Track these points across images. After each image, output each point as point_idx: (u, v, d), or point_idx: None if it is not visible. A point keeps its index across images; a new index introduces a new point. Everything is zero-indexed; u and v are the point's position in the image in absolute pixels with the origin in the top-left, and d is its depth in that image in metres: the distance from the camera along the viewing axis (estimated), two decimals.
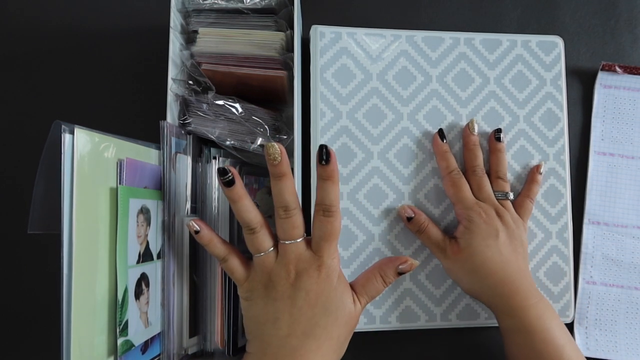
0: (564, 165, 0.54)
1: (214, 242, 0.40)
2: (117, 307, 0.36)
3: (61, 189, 0.32)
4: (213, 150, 0.46)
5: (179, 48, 0.47)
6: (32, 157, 0.35)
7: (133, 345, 0.38)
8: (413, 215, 0.50)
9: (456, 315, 0.51)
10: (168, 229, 0.42)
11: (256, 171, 0.48)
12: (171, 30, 0.45)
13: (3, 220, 0.51)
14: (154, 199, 0.41)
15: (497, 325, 0.52)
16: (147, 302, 0.40)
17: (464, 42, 0.54)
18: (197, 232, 0.39)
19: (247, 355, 0.39)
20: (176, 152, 0.43)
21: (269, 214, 0.47)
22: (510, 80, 0.54)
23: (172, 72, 0.45)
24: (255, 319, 0.39)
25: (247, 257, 0.41)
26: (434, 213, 0.52)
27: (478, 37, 0.54)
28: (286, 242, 0.38)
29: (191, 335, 0.43)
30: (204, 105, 0.45)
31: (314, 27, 0.52)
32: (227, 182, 0.37)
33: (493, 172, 0.51)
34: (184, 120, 0.46)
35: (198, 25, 0.47)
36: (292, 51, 0.46)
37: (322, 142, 0.49)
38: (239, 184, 0.38)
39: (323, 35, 0.52)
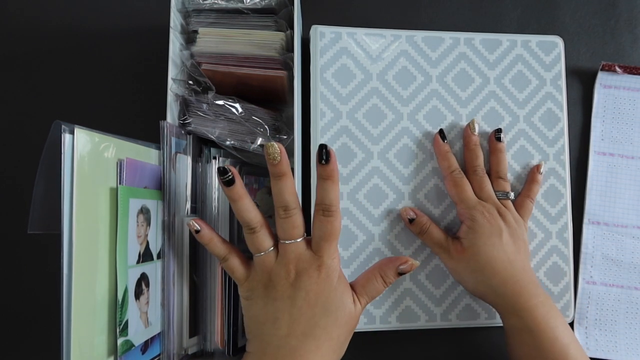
0: (564, 165, 0.54)
1: (215, 242, 0.40)
2: (117, 307, 0.36)
3: (61, 189, 0.32)
4: (213, 150, 0.46)
5: (179, 48, 0.47)
6: (32, 157, 0.35)
7: (133, 345, 0.38)
8: (415, 217, 0.50)
9: (456, 315, 0.51)
10: (168, 229, 0.42)
11: (256, 171, 0.48)
12: (171, 30, 0.45)
13: (3, 220, 0.51)
14: (154, 199, 0.41)
15: (497, 325, 0.52)
16: (147, 302, 0.40)
17: (464, 42, 0.54)
18: (197, 231, 0.39)
19: (247, 354, 0.39)
20: (176, 152, 0.43)
21: (269, 214, 0.47)
22: (510, 80, 0.54)
23: (172, 72, 0.45)
24: (255, 319, 0.39)
25: (247, 256, 0.41)
26: (434, 213, 0.52)
27: (478, 37, 0.54)
28: (286, 242, 0.38)
29: (191, 335, 0.43)
30: (204, 105, 0.45)
31: (314, 27, 0.52)
32: (227, 182, 0.37)
33: (493, 172, 0.51)
34: (184, 120, 0.46)
35: (198, 25, 0.47)
36: (292, 51, 0.46)
37: (322, 142, 0.49)
38: (239, 184, 0.38)
39: (323, 35, 0.52)
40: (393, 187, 0.51)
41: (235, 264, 0.40)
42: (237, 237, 0.46)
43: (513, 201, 0.51)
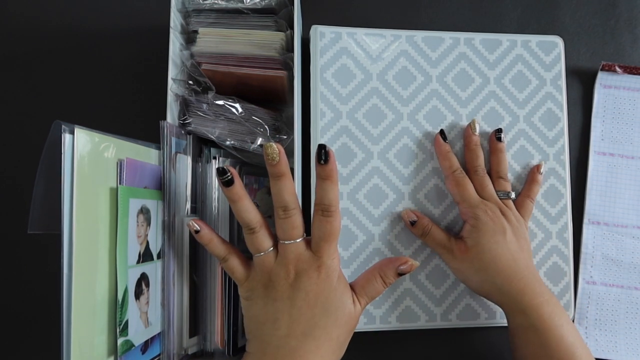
0: (564, 165, 0.54)
1: (214, 242, 0.40)
2: (117, 307, 0.36)
3: (61, 189, 0.32)
4: (213, 150, 0.46)
5: (179, 48, 0.47)
6: (32, 157, 0.35)
7: (133, 345, 0.38)
8: (416, 219, 0.50)
9: (456, 315, 0.51)
10: (168, 229, 0.42)
11: (256, 171, 0.48)
12: (171, 30, 0.45)
13: (3, 220, 0.51)
14: (154, 199, 0.41)
15: (497, 325, 0.52)
16: (147, 302, 0.40)
17: (464, 42, 0.54)
18: (197, 231, 0.39)
19: (247, 355, 0.39)
20: (176, 152, 0.43)
21: (269, 214, 0.47)
22: (510, 80, 0.54)
23: (172, 72, 0.45)
24: (255, 319, 0.39)
25: (247, 257, 0.41)
26: (435, 213, 0.52)
27: (478, 37, 0.54)
28: (286, 242, 0.38)
29: (191, 335, 0.43)
30: (204, 105, 0.45)
31: (314, 27, 0.52)
32: (226, 182, 0.37)
33: (494, 172, 0.51)
34: (184, 120, 0.46)
35: (198, 25, 0.47)
36: (292, 51, 0.46)
37: (322, 142, 0.49)
38: (238, 184, 0.38)
39: (323, 35, 0.52)
40: (393, 187, 0.51)
41: (235, 264, 0.40)
42: (237, 237, 0.46)
43: (514, 201, 0.51)
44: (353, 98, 0.51)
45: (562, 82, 0.55)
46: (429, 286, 0.51)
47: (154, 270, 0.41)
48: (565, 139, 0.54)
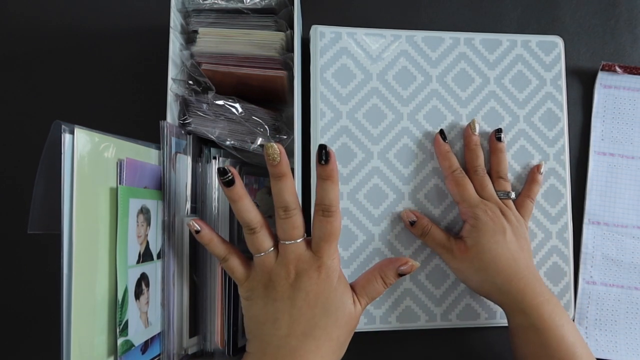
0: (564, 165, 0.54)
1: (215, 242, 0.40)
2: (117, 307, 0.36)
3: (61, 189, 0.32)
4: (213, 150, 0.46)
5: (179, 48, 0.47)
6: (32, 157, 0.35)
7: (133, 345, 0.38)
8: (415, 219, 0.50)
9: (456, 315, 0.51)
10: (168, 229, 0.42)
11: (256, 171, 0.48)
12: (171, 30, 0.45)
13: (3, 220, 0.51)
14: (154, 199, 0.41)
15: (497, 325, 0.52)
16: (147, 302, 0.40)
17: (464, 42, 0.54)
18: (197, 231, 0.39)
19: (247, 355, 0.39)
20: (176, 152, 0.43)
21: (269, 214, 0.47)
22: (510, 80, 0.54)
23: (172, 72, 0.45)
24: (255, 319, 0.39)
25: (247, 256, 0.41)
26: (435, 213, 0.52)
27: (478, 37, 0.54)
28: (286, 243, 0.38)
29: (191, 335, 0.43)
30: (204, 105, 0.45)
31: (314, 27, 0.52)
32: (227, 182, 0.37)
33: (494, 172, 0.51)
34: (184, 120, 0.46)
35: (198, 25, 0.47)
36: (292, 51, 0.46)
37: (322, 142, 0.49)
38: (239, 184, 0.38)
39: (323, 35, 0.52)
40: (393, 187, 0.51)
41: (235, 264, 0.40)
42: (237, 237, 0.46)
43: (514, 201, 0.51)
44: (353, 98, 0.51)
45: (562, 82, 0.55)
46: (429, 286, 0.51)
47: (154, 270, 0.41)
48: (565, 139, 0.54)
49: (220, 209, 0.45)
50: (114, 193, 0.37)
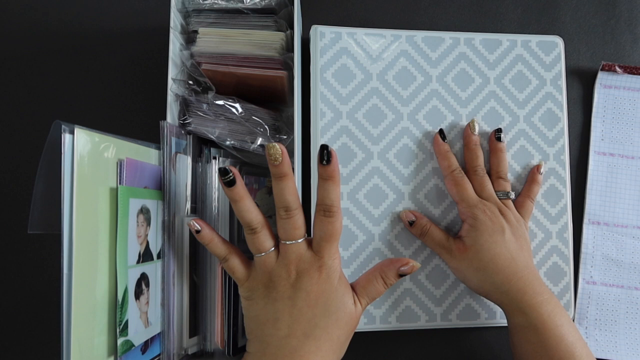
0: (564, 165, 0.54)
1: (215, 242, 0.40)
2: (117, 307, 0.36)
3: (61, 189, 0.32)
4: (213, 150, 0.46)
5: (179, 48, 0.47)
6: (32, 157, 0.35)
7: (133, 345, 0.38)
8: (415, 219, 0.50)
9: (456, 315, 0.51)
10: (168, 229, 0.42)
11: (256, 171, 0.48)
12: (171, 30, 0.45)
13: (3, 220, 0.51)
14: (154, 199, 0.41)
15: (497, 325, 0.52)
16: (147, 302, 0.40)
17: (464, 42, 0.54)
18: (198, 231, 0.39)
19: (247, 355, 0.39)
20: (176, 152, 0.43)
21: (269, 214, 0.47)
22: (510, 80, 0.54)
23: (172, 72, 0.45)
24: (256, 319, 0.39)
25: (247, 256, 0.41)
26: (434, 213, 0.52)
27: (478, 37, 0.54)
28: (287, 243, 0.38)
29: (191, 335, 0.43)
30: (204, 105, 0.45)
31: (314, 27, 0.52)
32: (228, 182, 0.37)
33: (494, 172, 0.51)
34: (184, 120, 0.46)
35: (198, 25, 0.47)
36: (292, 51, 0.46)
37: (322, 142, 0.49)
38: (240, 184, 0.38)
39: (323, 35, 0.52)
40: (393, 187, 0.51)
41: (236, 264, 0.40)
42: (237, 237, 0.46)
43: (513, 201, 0.51)
44: (353, 98, 0.51)
45: (562, 82, 0.55)
46: (429, 286, 0.51)
47: (154, 270, 0.41)
48: (565, 139, 0.54)
49: (220, 209, 0.45)
50: (114, 193, 0.37)
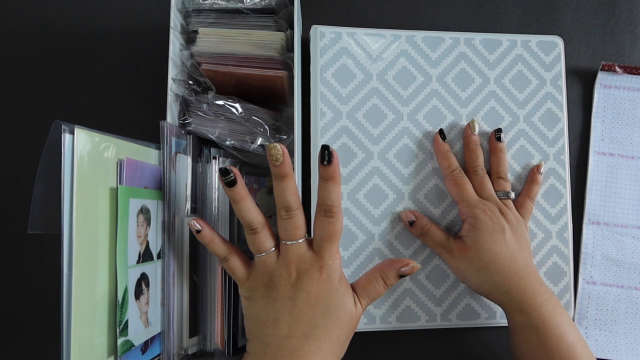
0: (564, 165, 0.54)
1: (215, 242, 0.40)
2: (117, 307, 0.36)
3: (61, 189, 0.32)
4: (213, 150, 0.46)
5: (179, 48, 0.47)
6: (32, 157, 0.35)
7: (133, 345, 0.38)
8: (415, 219, 0.50)
9: (456, 315, 0.51)
10: (168, 229, 0.42)
11: (256, 171, 0.48)
12: (171, 30, 0.45)
13: (3, 220, 0.51)
14: (154, 199, 0.41)
15: (497, 325, 0.52)
16: (147, 302, 0.40)
17: (464, 42, 0.54)
18: (198, 231, 0.39)
19: (247, 355, 0.39)
20: (176, 152, 0.43)
21: (270, 214, 0.47)
22: (510, 80, 0.54)
23: (172, 72, 0.45)
24: (256, 319, 0.39)
25: (248, 256, 0.41)
26: (434, 213, 0.52)
27: (478, 37, 0.54)
28: (288, 243, 0.38)
29: (191, 335, 0.43)
30: (204, 105, 0.45)
31: (314, 27, 0.52)
32: (229, 183, 0.37)
33: (494, 172, 0.51)
34: (184, 120, 0.46)
35: (198, 25, 0.47)
36: (292, 51, 0.46)
37: (323, 142, 0.49)
38: (241, 184, 0.38)
39: (323, 35, 0.52)
40: (393, 187, 0.51)
41: (236, 264, 0.40)
42: (238, 237, 0.46)
43: (513, 201, 0.51)
44: (353, 98, 0.51)
45: (562, 82, 0.55)
46: (429, 286, 0.51)
47: (154, 270, 0.41)
48: (565, 139, 0.54)
49: (220, 209, 0.45)
50: (114, 193, 0.37)
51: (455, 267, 0.48)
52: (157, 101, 0.46)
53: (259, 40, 0.45)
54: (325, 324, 0.38)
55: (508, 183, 0.51)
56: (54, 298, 0.50)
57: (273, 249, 0.39)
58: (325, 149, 0.38)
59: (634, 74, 0.56)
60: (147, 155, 0.41)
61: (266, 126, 0.46)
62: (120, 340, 0.36)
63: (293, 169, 0.41)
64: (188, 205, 0.44)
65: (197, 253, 0.45)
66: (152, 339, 0.41)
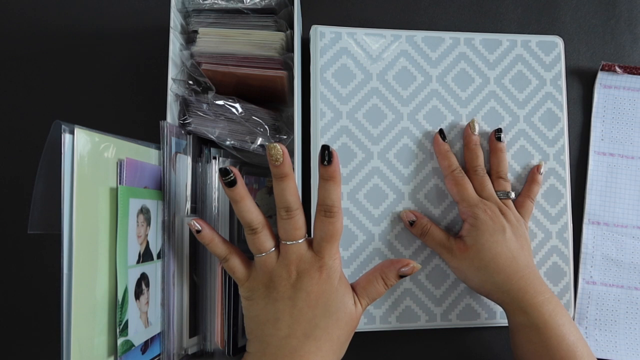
0: (564, 165, 0.54)
1: (216, 242, 0.40)
2: (117, 307, 0.36)
3: (61, 189, 0.32)
4: (213, 150, 0.46)
5: (179, 48, 0.47)
6: (32, 157, 0.35)
7: (133, 345, 0.38)
8: (415, 219, 0.50)
9: (456, 315, 0.51)
10: (168, 229, 0.42)
11: (256, 171, 0.48)
12: (171, 30, 0.45)
13: (3, 220, 0.51)
14: (154, 199, 0.41)
15: (497, 325, 0.52)
16: (147, 302, 0.40)
17: (464, 42, 0.54)
18: (198, 231, 0.39)
19: (247, 355, 0.39)
20: (176, 152, 0.43)
21: (269, 214, 0.47)
22: (510, 80, 0.54)
23: (172, 72, 0.45)
24: (256, 319, 0.39)
25: (248, 256, 0.41)
26: (435, 213, 0.52)
27: (478, 37, 0.54)
28: (288, 243, 0.38)
29: (191, 335, 0.43)
30: (204, 105, 0.45)
31: (314, 27, 0.52)
32: (229, 183, 0.37)
33: (494, 172, 0.51)
34: (184, 120, 0.46)
35: (198, 25, 0.47)
36: (292, 51, 0.46)
37: (322, 142, 0.49)
38: (241, 185, 0.38)
39: (323, 35, 0.52)
40: (393, 187, 0.51)
41: (236, 264, 0.40)
42: (238, 237, 0.46)
43: (513, 201, 0.51)
44: (353, 98, 0.51)
45: (562, 82, 0.55)
46: (429, 286, 0.51)
47: (154, 270, 0.41)
48: (565, 139, 0.54)
49: (220, 209, 0.45)
50: (114, 193, 0.37)
51: (455, 267, 0.48)
52: (157, 101, 0.46)
53: (259, 40, 0.45)
54: (325, 324, 0.38)
55: (508, 183, 0.51)
56: (54, 298, 0.50)
57: (273, 249, 0.39)
58: (325, 149, 0.38)
59: (634, 74, 0.56)
60: (147, 155, 0.41)
61: (266, 126, 0.46)
62: (120, 340, 0.36)
63: (293, 169, 0.41)
64: (188, 205, 0.44)
65: (197, 253, 0.45)
66: (152, 339, 0.41)
